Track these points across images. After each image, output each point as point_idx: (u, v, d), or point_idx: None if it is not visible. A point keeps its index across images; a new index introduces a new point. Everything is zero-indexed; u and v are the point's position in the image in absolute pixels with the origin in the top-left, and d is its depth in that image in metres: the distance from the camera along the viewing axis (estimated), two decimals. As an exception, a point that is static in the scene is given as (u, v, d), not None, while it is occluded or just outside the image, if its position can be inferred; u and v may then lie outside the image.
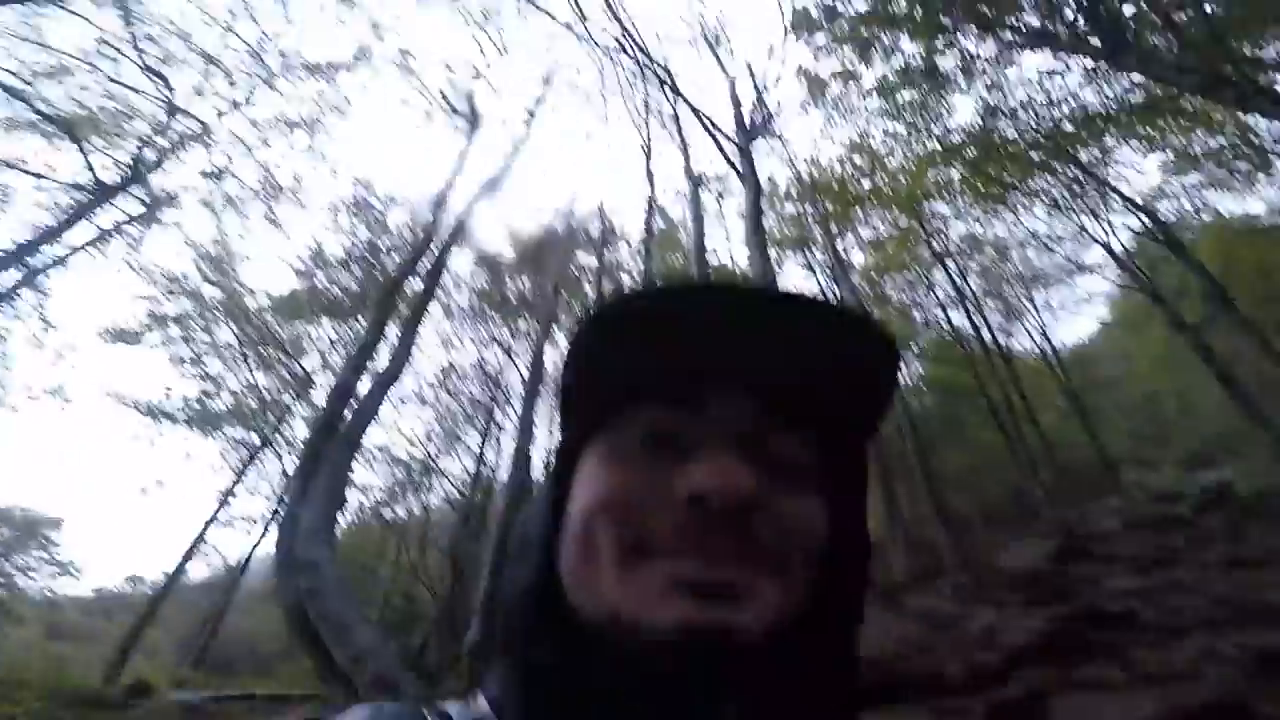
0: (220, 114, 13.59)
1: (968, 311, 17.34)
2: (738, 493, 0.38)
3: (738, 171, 11.76)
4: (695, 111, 12.73)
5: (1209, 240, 15.62)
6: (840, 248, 16.63)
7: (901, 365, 0.44)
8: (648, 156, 14.79)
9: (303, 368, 17.49)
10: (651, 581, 0.38)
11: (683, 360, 0.42)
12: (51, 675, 8.94)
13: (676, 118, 14.46)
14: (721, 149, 12.47)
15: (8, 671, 8.31)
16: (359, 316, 15.42)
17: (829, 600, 0.43)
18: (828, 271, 16.67)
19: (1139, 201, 13.87)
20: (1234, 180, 13.49)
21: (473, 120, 11.81)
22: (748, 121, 12.71)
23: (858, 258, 18.53)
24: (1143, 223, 13.73)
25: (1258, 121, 11.23)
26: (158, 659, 16.84)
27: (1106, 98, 10.82)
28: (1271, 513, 9.56)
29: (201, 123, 13.33)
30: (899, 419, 14.10)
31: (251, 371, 17.14)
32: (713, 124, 12.54)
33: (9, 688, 7.26)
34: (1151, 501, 15.13)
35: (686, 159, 13.86)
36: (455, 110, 12.19)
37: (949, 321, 18.35)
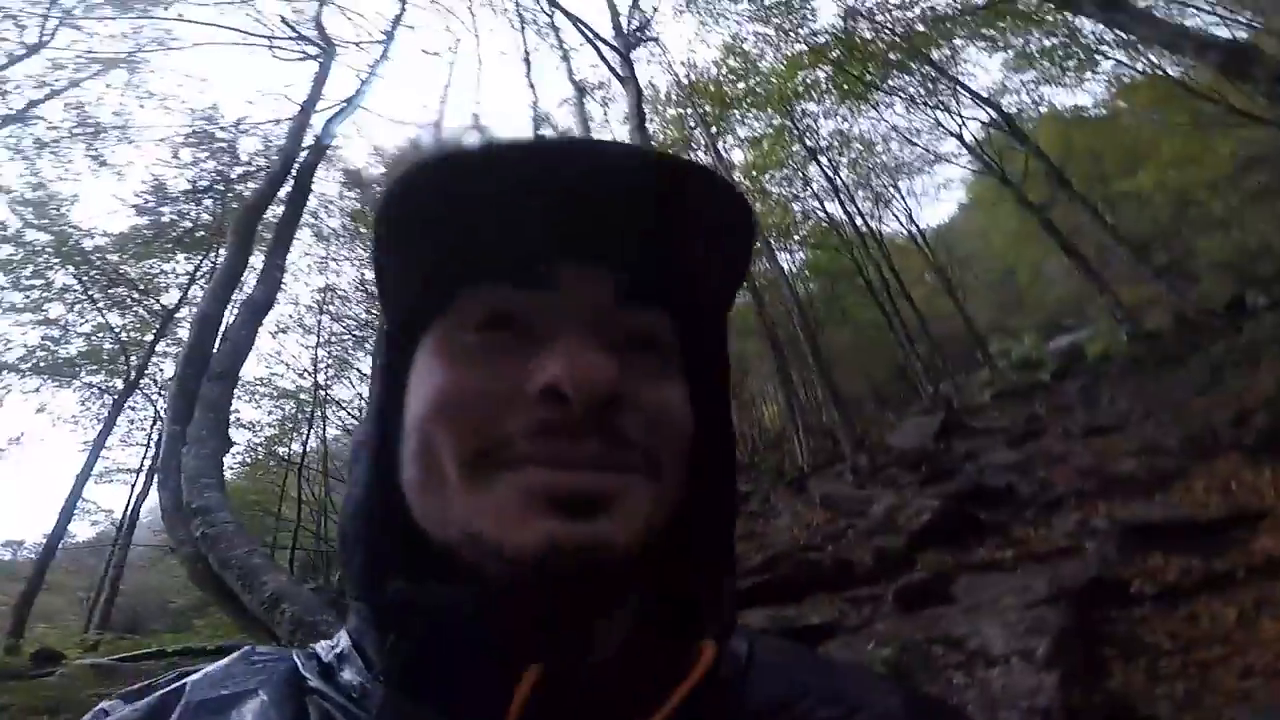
0: (10, 58, 12.22)
1: (841, 202, 18.64)
2: (601, 385, 0.33)
3: (619, 77, 11.62)
4: (572, 19, 12.44)
5: (1047, 130, 17.18)
6: (721, 147, 17.17)
7: (756, 225, 0.39)
8: (528, 66, 14.20)
9: (162, 305, 16.09)
10: (508, 496, 0.33)
11: (523, 230, 0.36)
12: None
13: (554, 27, 14.04)
14: (602, 55, 12.30)
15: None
16: (218, 248, 14.45)
17: (700, 497, 0.40)
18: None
19: (985, 96, 15.22)
20: (1065, 77, 14.97)
21: (325, 45, 10.59)
22: (625, 27, 12.44)
23: (738, 156, 19.19)
24: (990, 115, 15.03)
25: (1083, 24, 12.60)
26: (60, 625, 15.89)
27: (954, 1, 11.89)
28: (1117, 374, 10.81)
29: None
30: (788, 304, 14.99)
31: (102, 313, 15.64)
32: (591, 31, 12.28)
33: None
34: (1015, 370, 16.92)
35: (569, 68, 13.61)
36: (302, 36, 10.89)
37: (824, 212, 19.66)
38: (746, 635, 0.43)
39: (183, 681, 0.40)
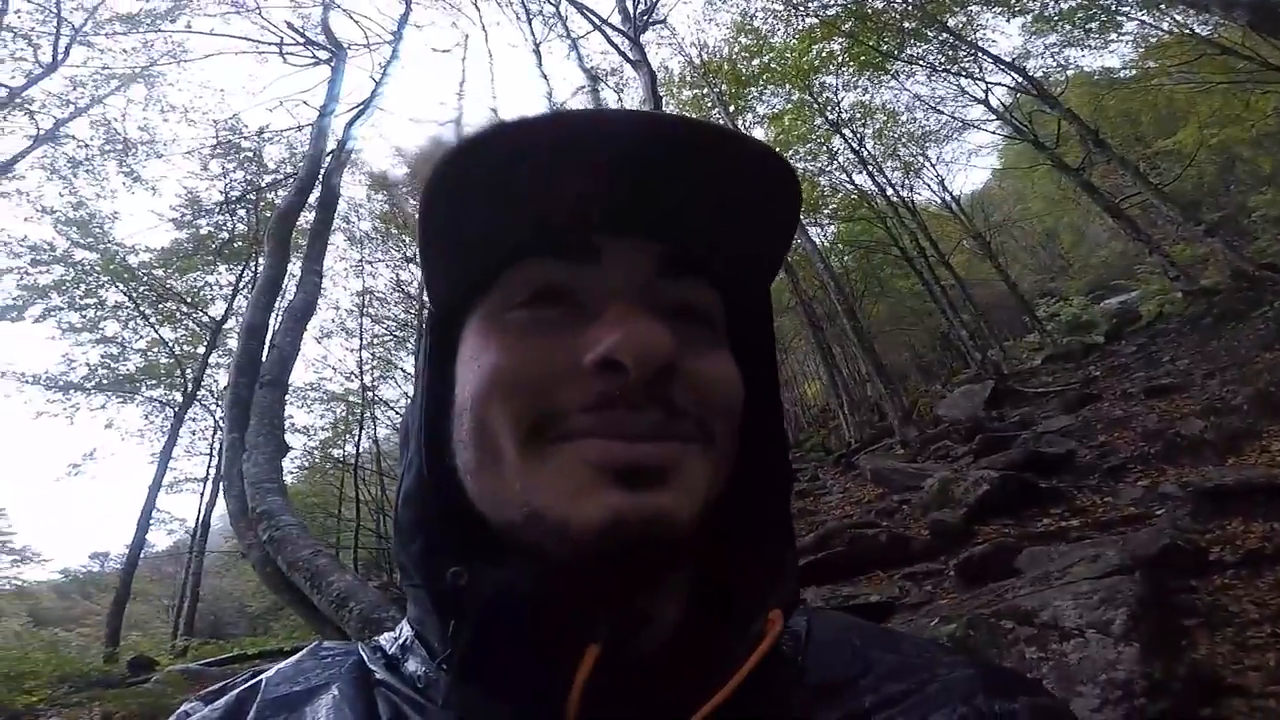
0: (29, 77, 12.67)
1: (870, 173, 18.44)
2: (658, 354, 0.33)
3: (631, 61, 11.45)
4: (578, 6, 12.25)
5: (1076, 93, 16.69)
6: (742, 125, 17.03)
7: (799, 192, 0.38)
8: (539, 57, 14.16)
9: (210, 317, 16.70)
10: (568, 469, 0.33)
11: (568, 202, 0.35)
12: (53, 661, 9.01)
13: (561, 16, 13.98)
14: (611, 41, 12.11)
15: (10, 663, 8.27)
16: (257, 257, 14.88)
17: (754, 471, 0.39)
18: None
19: (1009, 61, 14.83)
20: (1089, 39, 14.67)
21: (335, 48, 10.71)
22: (632, 11, 12.29)
23: (759, 133, 18.90)
24: (1015, 80, 14.66)
25: None
26: (150, 632, 16.82)
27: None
28: (1174, 332, 10.38)
29: (7, 88, 12.33)
30: (823, 278, 14.85)
31: (155, 329, 16.32)
32: (598, 17, 12.10)
33: (17, 679, 7.33)
34: (1066, 332, 16.37)
35: (579, 56, 13.57)
36: (311, 42, 11.05)
37: (853, 184, 19.36)
38: (804, 611, 0.43)
39: (258, 679, 0.41)
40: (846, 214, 19.84)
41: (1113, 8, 13.37)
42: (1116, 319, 14.90)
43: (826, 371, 16.77)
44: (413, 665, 0.39)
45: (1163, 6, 12.36)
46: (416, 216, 0.37)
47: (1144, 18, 13.56)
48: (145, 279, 15.86)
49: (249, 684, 0.41)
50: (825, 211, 20.32)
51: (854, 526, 6.49)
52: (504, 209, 0.36)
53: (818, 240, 18.68)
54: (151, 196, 22.36)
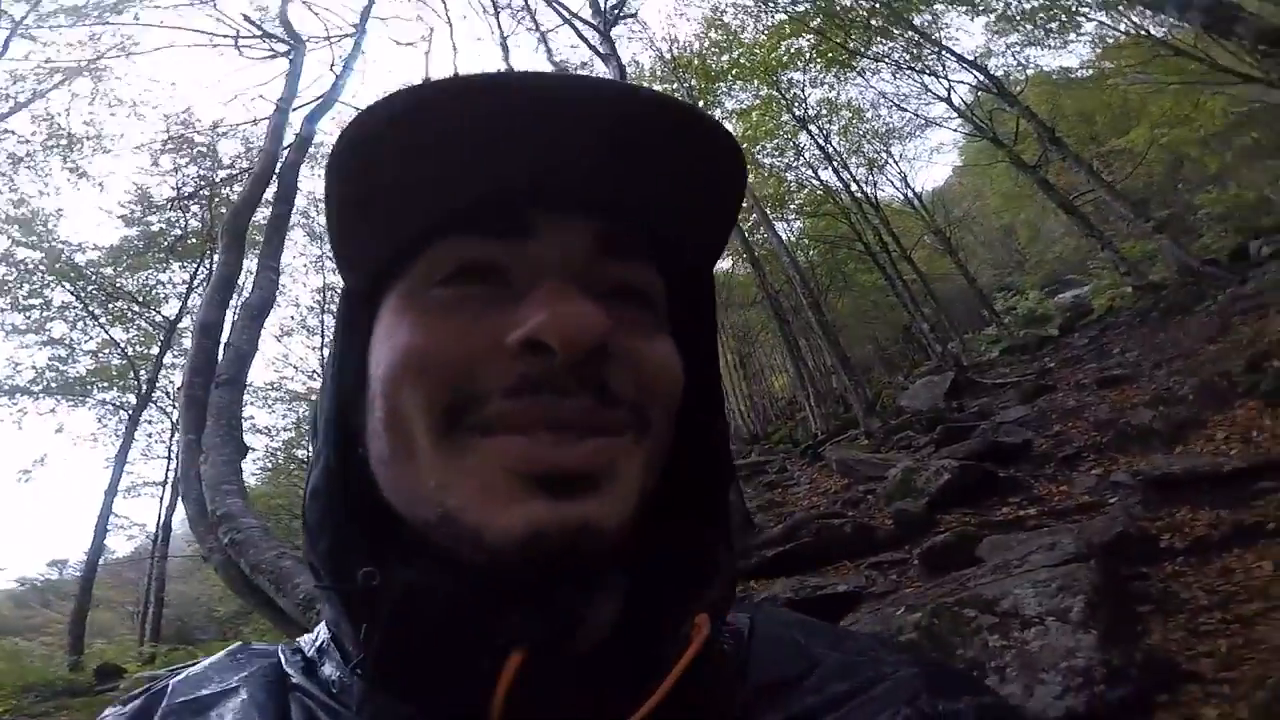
0: None
1: (835, 169, 18.73)
2: (588, 335, 0.30)
3: (600, 55, 11.41)
4: (549, 1, 12.20)
5: (1035, 91, 17.22)
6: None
7: (745, 169, 0.36)
8: (505, 51, 13.96)
9: (164, 316, 16.15)
10: (486, 470, 0.30)
11: (494, 174, 0.32)
12: (16, 671, 8.75)
13: (529, 10, 13.71)
14: (580, 35, 12.04)
15: (-26, 676, 8.05)
16: (211, 254, 14.53)
17: (693, 461, 0.38)
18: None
19: (971, 60, 15.19)
20: (1049, 39, 15.03)
21: (294, 41, 10.40)
22: (603, 4, 12.21)
23: (728, 128, 19.20)
24: (977, 78, 15.02)
25: None
26: (116, 639, 16.27)
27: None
28: (1124, 325, 10.78)
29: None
30: (789, 273, 15.04)
31: (105, 329, 15.73)
32: (569, 11, 12.04)
33: (-21, 690, 7.06)
34: (1022, 325, 16.87)
35: (548, 49, 13.36)
36: (268, 34, 10.71)
37: (819, 179, 19.63)
38: (748, 609, 0.42)
39: (165, 683, 0.39)
40: (812, 209, 20.11)
41: (1073, 8, 13.72)
42: (1070, 312, 15.42)
43: (793, 364, 17.03)
44: (329, 669, 0.36)
45: (1121, 8, 12.73)
46: (325, 178, 0.33)
47: (1103, 18, 13.99)
48: (94, 278, 15.30)
49: (158, 688, 0.38)
50: (791, 207, 20.57)
51: (821, 517, 6.61)
52: (428, 178, 0.33)
53: (784, 235, 18.92)
54: (99, 193, 21.49)
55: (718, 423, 0.41)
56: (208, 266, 15.34)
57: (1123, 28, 14.07)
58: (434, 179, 0.32)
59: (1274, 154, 14.36)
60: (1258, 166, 15.27)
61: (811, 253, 21.80)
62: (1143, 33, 13.40)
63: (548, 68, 14.05)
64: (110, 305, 15.80)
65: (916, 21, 14.37)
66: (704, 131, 0.33)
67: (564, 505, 0.30)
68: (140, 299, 16.04)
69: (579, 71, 15.91)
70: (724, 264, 19.06)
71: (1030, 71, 16.68)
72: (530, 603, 0.30)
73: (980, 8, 14.11)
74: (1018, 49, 15.71)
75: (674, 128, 0.32)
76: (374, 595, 0.31)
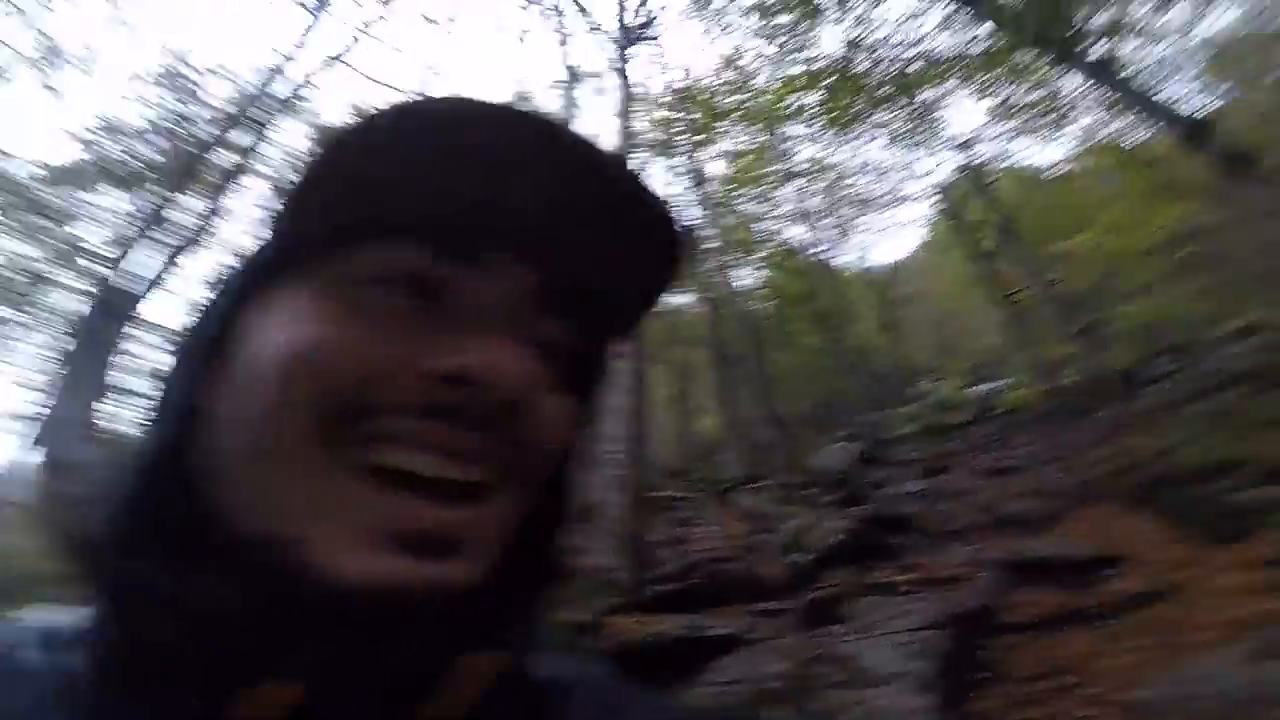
0: None
1: (806, 228, 19.48)
2: (514, 389, 0.30)
3: (615, 70, 11.54)
4: (580, 8, 12.27)
5: (1008, 182, 18.13)
6: (701, 157, 17.29)
7: (685, 257, 0.38)
8: (523, 43, 14.04)
9: (83, 238, 15.10)
10: (353, 519, 0.29)
11: (460, 199, 0.32)
12: None
13: (558, 10, 13.79)
14: (600, 46, 12.16)
15: None
16: (152, 187, 13.82)
17: (544, 512, 0.37)
18: (685, 178, 17.34)
19: (959, 141, 15.88)
20: (1038, 134, 15.70)
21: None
22: (628, 22, 12.45)
23: (715, 167, 19.05)
24: (961, 160, 15.76)
25: (1063, 83, 13.21)
26: None
27: (954, 43, 12.28)
28: (1027, 423, 11.52)
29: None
30: (741, 322, 15.20)
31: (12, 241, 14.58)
32: (596, 22, 12.14)
33: None
34: (937, 410, 17.76)
35: (564, 52, 13.71)
36: None
37: (788, 235, 20.01)
38: (577, 663, 0.42)
39: None
40: (775, 262, 20.50)
41: (1070, 106, 14.38)
42: (981, 404, 16.32)
43: (725, 409, 17.29)
44: (64, 652, 0.32)
45: (1115, 109, 13.26)
46: (310, 157, 0.33)
47: (1091, 120, 14.64)
48: (26, 191, 14.42)
49: None
50: (756, 257, 21.09)
51: (717, 560, 6.70)
52: (398, 183, 0.32)
53: (746, 282, 19.30)
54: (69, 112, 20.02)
55: (573, 476, 0.41)
56: (149, 200, 14.68)
57: (1110, 130, 14.76)
58: (411, 180, 0.32)
59: (1204, 271, 15.39)
60: (1186, 282, 16.28)
61: (766, 305, 22.20)
62: (1117, 140, 14.30)
63: (559, 71, 14.05)
64: (24, 217, 14.85)
65: (924, 97, 14.87)
66: (663, 221, 0.35)
67: (427, 565, 0.29)
68: (52, 216, 15.12)
69: (589, 79, 15.97)
70: (678, 299, 19.18)
71: (1010, 161, 17.46)
72: (326, 639, 0.28)
73: (988, 92, 14.57)
74: (1006, 137, 16.27)
75: (632, 205, 0.34)
76: (153, 592, 0.29)
